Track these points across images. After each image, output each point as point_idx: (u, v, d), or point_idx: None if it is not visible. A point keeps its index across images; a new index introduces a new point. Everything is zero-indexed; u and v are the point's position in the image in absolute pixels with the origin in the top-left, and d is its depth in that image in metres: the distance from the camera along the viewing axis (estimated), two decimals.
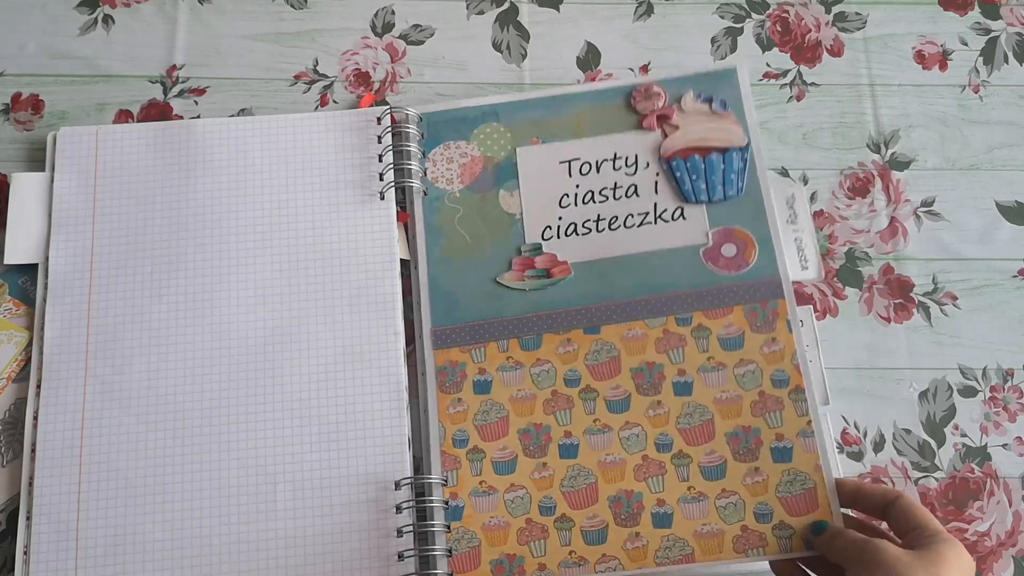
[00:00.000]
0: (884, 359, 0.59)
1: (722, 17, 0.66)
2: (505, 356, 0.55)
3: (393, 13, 0.66)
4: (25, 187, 0.58)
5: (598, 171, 0.58)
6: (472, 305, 0.56)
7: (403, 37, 0.65)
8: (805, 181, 0.62)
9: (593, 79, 0.64)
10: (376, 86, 0.64)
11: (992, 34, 0.66)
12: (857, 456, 0.57)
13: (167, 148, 0.59)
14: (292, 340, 0.55)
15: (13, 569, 0.51)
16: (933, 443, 0.57)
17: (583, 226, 0.57)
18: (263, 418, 0.54)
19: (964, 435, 0.57)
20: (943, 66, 0.65)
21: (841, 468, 0.55)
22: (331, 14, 0.66)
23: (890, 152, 0.63)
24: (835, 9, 0.67)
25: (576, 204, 0.58)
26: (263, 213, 0.58)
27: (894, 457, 0.57)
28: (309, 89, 0.64)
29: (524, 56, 0.65)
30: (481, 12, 0.66)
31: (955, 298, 0.60)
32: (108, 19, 0.65)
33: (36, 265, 0.57)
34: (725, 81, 0.59)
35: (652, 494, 0.52)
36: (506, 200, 0.58)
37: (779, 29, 0.66)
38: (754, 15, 0.67)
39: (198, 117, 0.62)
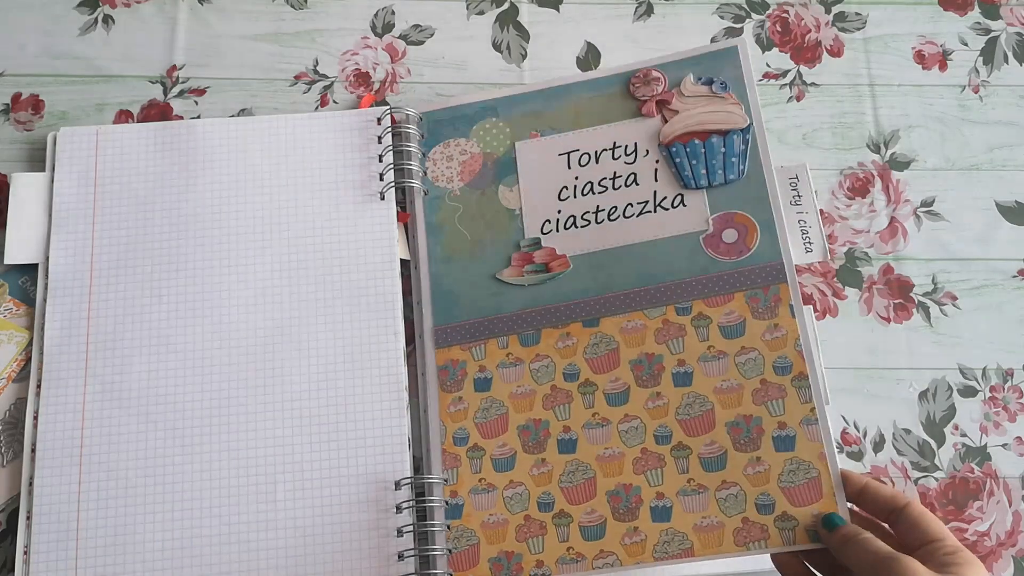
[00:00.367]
0: (884, 359, 0.59)
1: (722, 17, 0.66)
2: (505, 353, 0.55)
3: (393, 13, 0.66)
4: (25, 187, 0.58)
5: (597, 161, 0.58)
6: (472, 303, 0.56)
7: (403, 37, 0.65)
8: None
9: None
10: (376, 86, 0.64)
11: (992, 34, 0.66)
12: (857, 456, 0.57)
13: (167, 148, 0.59)
14: (292, 340, 0.55)
15: (13, 569, 0.51)
16: (933, 443, 0.57)
17: (582, 218, 0.57)
18: (263, 418, 0.54)
19: (964, 435, 0.57)
20: (943, 66, 0.66)
21: (841, 467, 0.55)
22: (331, 14, 0.66)
23: (890, 152, 0.63)
24: (835, 9, 0.67)
25: (575, 196, 0.57)
26: (263, 213, 0.58)
27: (894, 457, 0.57)
28: (309, 89, 0.64)
29: (524, 56, 0.65)
30: (481, 12, 0.66)
31: (955, 298, 0.60)
32: (108, 19, 0.65)
33: (36, 265, 0.57)
34: (726, 61, 0.58)
35: (651, 487, 0.51)
36: (506, 196, 0.58)
37: (779, 29, 0.66)
38: (754, 15, 0.67)
39: (198, 117, 0.62)
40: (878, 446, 0.57)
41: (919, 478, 0.57)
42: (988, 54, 0.66)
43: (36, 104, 0.62)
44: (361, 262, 0.57)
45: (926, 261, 0.61)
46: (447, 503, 0.52)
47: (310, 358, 0.55)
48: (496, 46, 0.65)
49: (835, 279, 0.60)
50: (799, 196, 0.58)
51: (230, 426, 0.54)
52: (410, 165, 0.59)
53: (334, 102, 0.63)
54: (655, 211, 0.56)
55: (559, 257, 0.56)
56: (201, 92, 0.63)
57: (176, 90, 0.63)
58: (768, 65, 0.65)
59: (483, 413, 0.54)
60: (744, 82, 0.57)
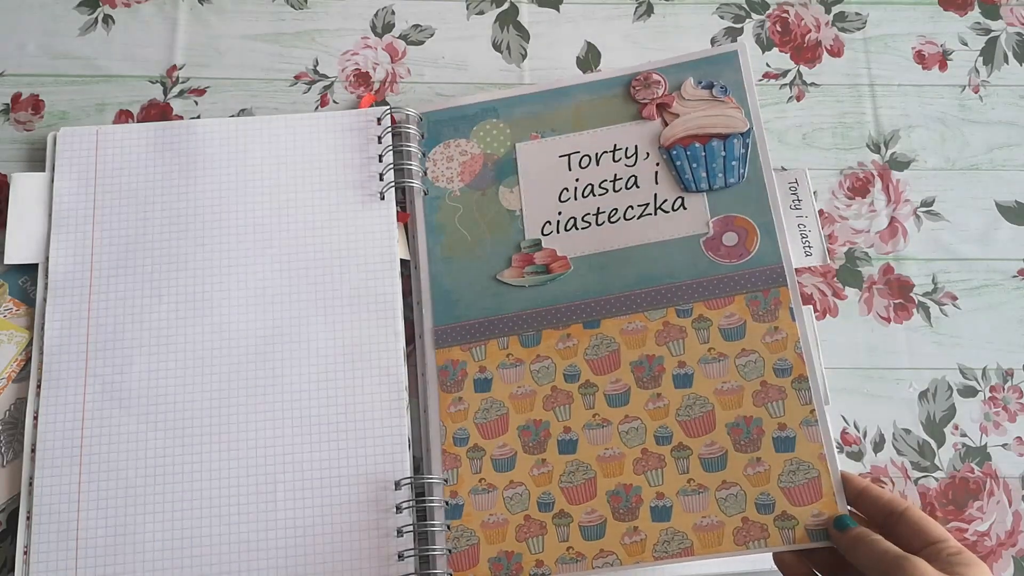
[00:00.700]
0: (884, 359, 0.59)
1: (722, 17, 0.66)
2: (505, 353, 0.55)
3: (393, 13, 0.66)
4: (25, 187, 0.58)
5: (598, 164, 0.58)
6: (473, 303, 0.56)
7: (403, 37, 0.65)
8: None
9: None
10: (376, 86, 0.64)
11: (992, 34, 0.66)
12: (857, 456, 0.57)
13: (167, 148, 0.59)
14: (292, 340, 0.55)
15: (13, 569, 0.51)
16: (933, 443, 0.57)
17: (583, 220, 0.57)
18: (263, 418, 0.54)
19: (964, 435, 0.57)
20: (943, 66, 0.66)
21: (841, 467, 0.55)
22: (331, 14, 0.66)
23: (890, 152, 0.63)
24: (835, 9, 0.67)
25: (576, 198, 0.57)
26: (263, 213, 0.58)
27: (894, 457, 0.57)
28: (309, 89, 0.64)
29: (524, 56, 0.65)
30: (481, 12, 0.66)
31: (955, 298, 0.60)
32: (108, 19, 0.65)
33: (36, 265, 0.57)
34: (726, 64, 0.58)
35: (651, 487, 0.51)
36: (506, 196, 0.58)
37: (779, 29, 0.66)
38: (754, 15, 0.67)
39: (198, 117, 0.62)
40: (878, 446, 0.57)
41: (919, 478, 0.57)
42: (988, 54, 0.66)
43: (36, 104, 0.62)
44: (361, 262, 0.57)
45: (926, 261, 0.61)
46: (447, 503, 0.52)
47: (310, 358, 0.55)
48: (496, 46, 0.65)
49: (835, 279, 0.60)
50: (799, 200, 0.59)
51: (230, 426, 0.54)
52: (410, 165, 0.59)
53: (334, 102, 0.63)
54: (655, 213, 0.56)
55: (560, 258, 0.56)
56: (201, 92, 0.63)
57: (176, 90, 0.63)
58: (768, 65, 0.65)
59: (483, 413, 0.54)
60: (744, 86, 0.57)
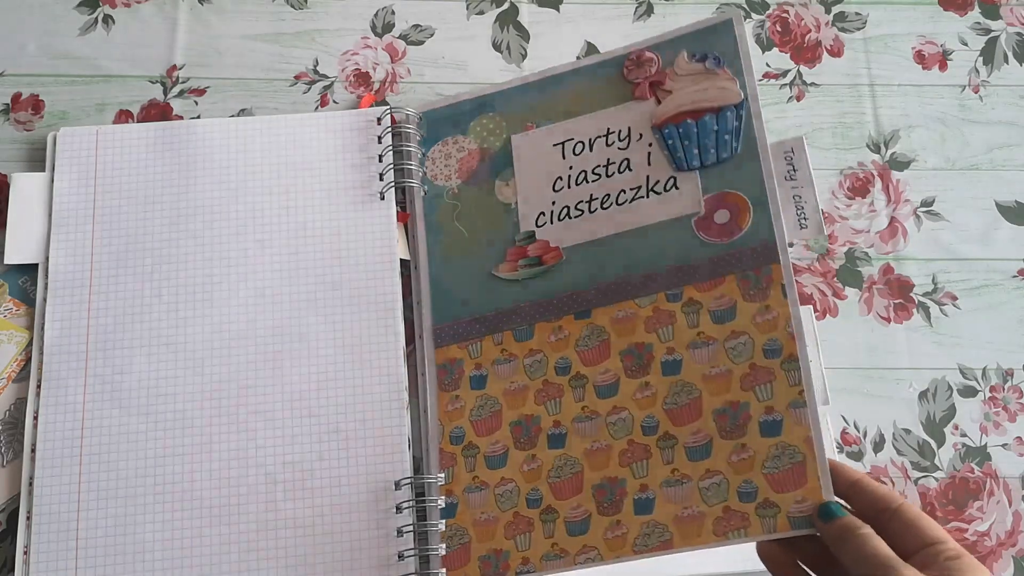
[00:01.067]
0: (884, 359, 0.59)
1: None
2: (500, 349, 0.54)
3: (393, 13, 0.66)
4: (25, 187, 0.58)
5: (591, 149, 0.56)
6: (470, 301, 0.56)
7: (403, 37, 0.65)
8: None
9: None
10: (376, 86, 0.64)
11: (992, 34, 0.66)
12: (857, 456, 0.57)
13: (167, 148, 0.59)
14: (292, 340, 0.55)
15: (13, 569, 0.51)
16: (933, 443, 0.57)
17: (576, 208, 0.55)
18: (263, 418, 0.54)
19: (964, 435, 0.57)
20: (943, 66, 0.66)
21: (833, 459, 0.55)
22: (331, 14, 0.66)
23: (890, 152, 0.63)
24: (835, 9, 0.67)
25: (569, 186, 0.56)
26: (263, 213, 0.58)
27: (894, 457, 0.57)
28: (309, 89, 0.64)
29: (524, 56, 0.65)
30: (481, 12, 0.66)
31: (955, 298, 0.60)
32: (108, 19, 0.65)
33: (36, 265, 0.57)
34: (721, 35, 0.55)
35: (635, 479, 0.50)
36: (502, 190, 0.58)
37: (779, 29, 0.66)
38: (754, 15, 0.67)
39: (198, 117, 0.62)
40: (878, 446, 0.57)
41: (919, 478, 0.57)
42: (988, 54, 0.66)
43: (36, 104, 0.62)
44: (361, 262, 0.57)
45: (926, 261, 0.61)
46: (444, 502, 0.52)
47: (310, 358, 0.55)
48: (496, 46, 0.65)
49: (835, 279, 0.60)
50: (794, 170, 0.56)
51: (230, 426, 0.54)
52: (410, 165, 0.59)
53: (334, 102, 0.63)
54: (647, 196, 0.54)
55: (552, 249, 0.55)
56: (201, 92, 0.63)
57: (176, 90, 0.63)
58: (768, 65, 0.65)
59: (478, 411, 0.54)
60: (739, 55, 0.55)
